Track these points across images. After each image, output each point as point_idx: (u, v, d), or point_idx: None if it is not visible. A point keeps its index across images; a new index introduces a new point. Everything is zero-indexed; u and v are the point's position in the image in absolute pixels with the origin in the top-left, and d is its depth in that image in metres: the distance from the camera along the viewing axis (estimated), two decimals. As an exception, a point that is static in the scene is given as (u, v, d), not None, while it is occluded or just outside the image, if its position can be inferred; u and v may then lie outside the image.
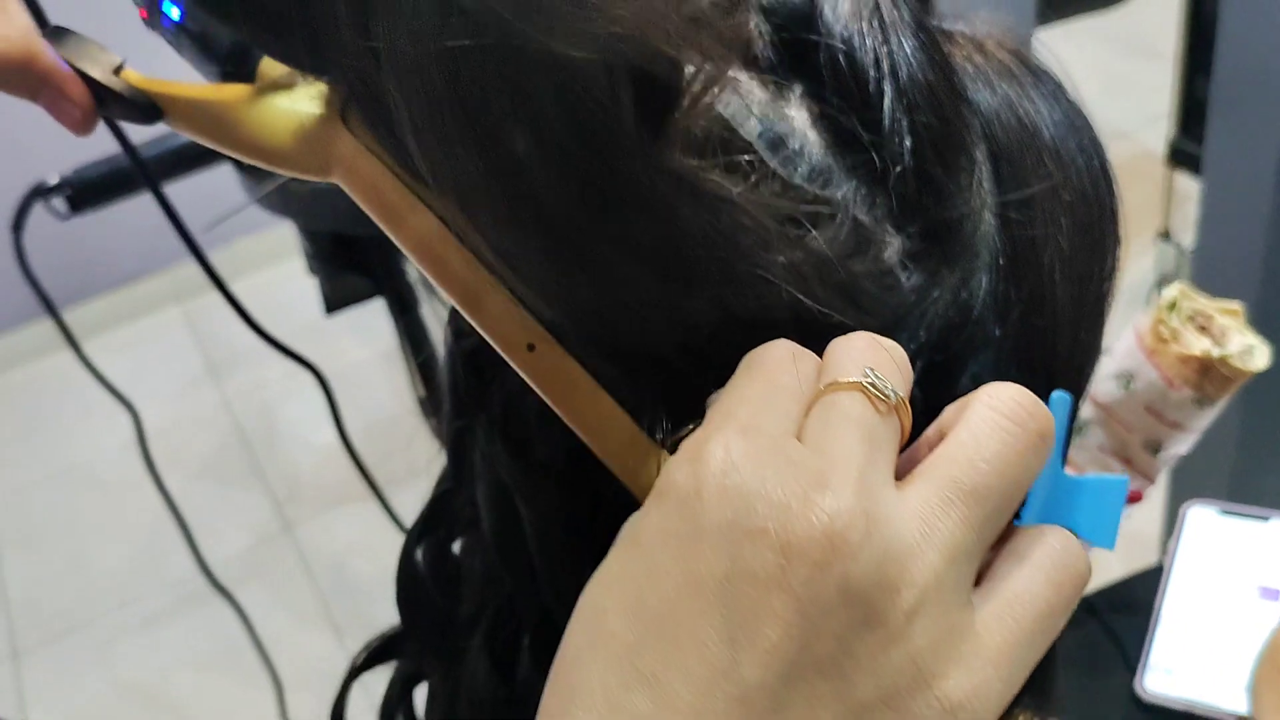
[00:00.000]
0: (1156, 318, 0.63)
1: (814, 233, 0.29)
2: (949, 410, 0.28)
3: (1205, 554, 0.91)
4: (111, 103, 0.36)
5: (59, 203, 1.05)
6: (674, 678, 0.23)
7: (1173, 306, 0.63)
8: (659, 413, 0.29)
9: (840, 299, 0.29)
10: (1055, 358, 0.35)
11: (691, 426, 0.28)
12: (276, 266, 2.54)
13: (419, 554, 0.41)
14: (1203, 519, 0.93)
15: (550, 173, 0.26)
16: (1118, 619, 0.90)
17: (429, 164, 0.27)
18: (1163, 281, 2.07)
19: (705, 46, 0.27)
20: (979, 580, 0.26)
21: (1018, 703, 0.38)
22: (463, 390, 0.37)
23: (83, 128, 0.37)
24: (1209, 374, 0.60)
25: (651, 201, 0.26)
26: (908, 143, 0.31)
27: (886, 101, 0.31)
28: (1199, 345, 0.61)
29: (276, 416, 2.26)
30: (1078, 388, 0.37)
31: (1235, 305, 0.63)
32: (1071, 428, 0.36)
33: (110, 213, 2.47)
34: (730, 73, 0.29)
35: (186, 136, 0.34)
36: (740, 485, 0.24)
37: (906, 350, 0.30)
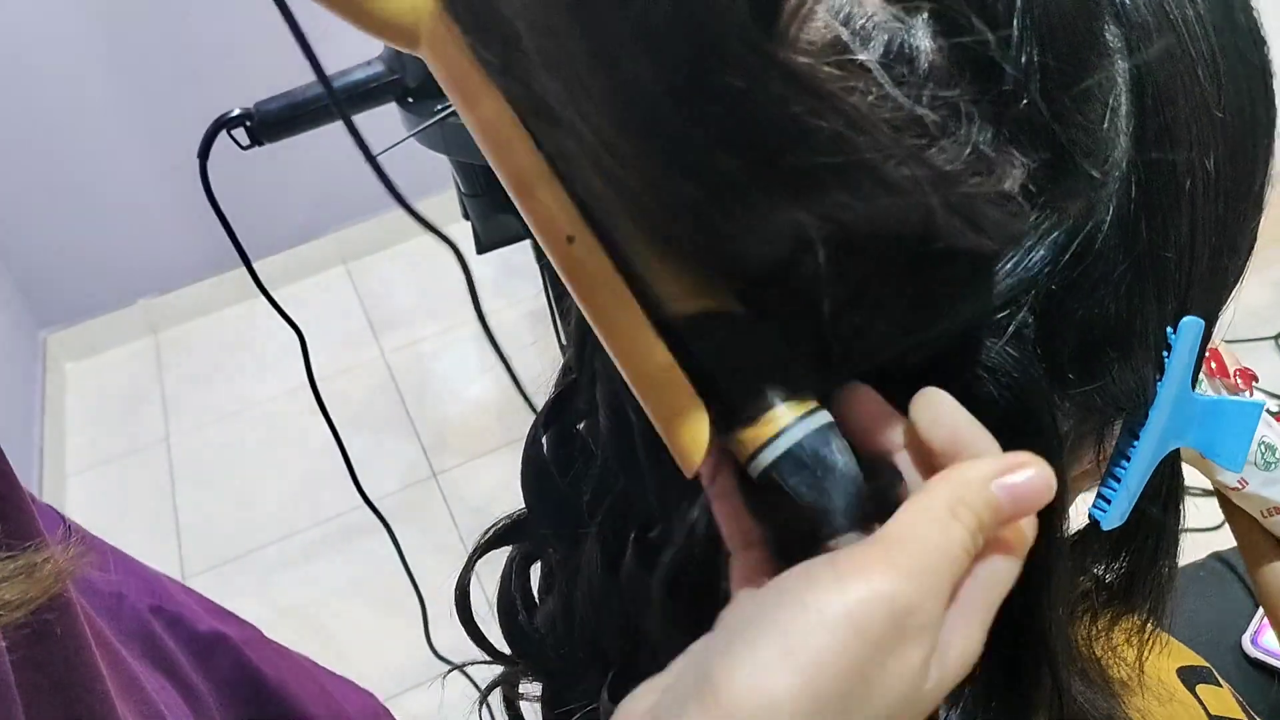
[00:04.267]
0: None
1: (935, 147, 0.27)
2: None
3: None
4: None
5: (240, 134, 1.11)
6: None
7: None
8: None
9: (958, 219, 0.27)
10: (1190, 285, 0.34)
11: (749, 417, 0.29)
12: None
13: (544, 441, 0.42)
14: None
15: (654, 56, 0.24)
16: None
17: (538, 48, 0.26)
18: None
19: None
20: None
21: (1134, 606, 0.41)
22: None
23: None
24: None
25: (759, 94, 0.24)
26: (1036, 71, 0.29)
27: (1015, 24, 0.29)
28: None
29: (429, 371, 2.38)
30: (1214, 310, 0.36)
31: None
32: (1203, 351, 0.35)
33: (281, 178, 2.61)
34: None
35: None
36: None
37: (1021, 279, 0.30)
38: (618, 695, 0.37)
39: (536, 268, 1.55)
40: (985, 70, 0.29)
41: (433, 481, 2.10)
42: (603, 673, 0.39)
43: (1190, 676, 0.53)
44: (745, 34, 0.24)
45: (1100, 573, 0.40)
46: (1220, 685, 0.54)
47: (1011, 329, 0.32)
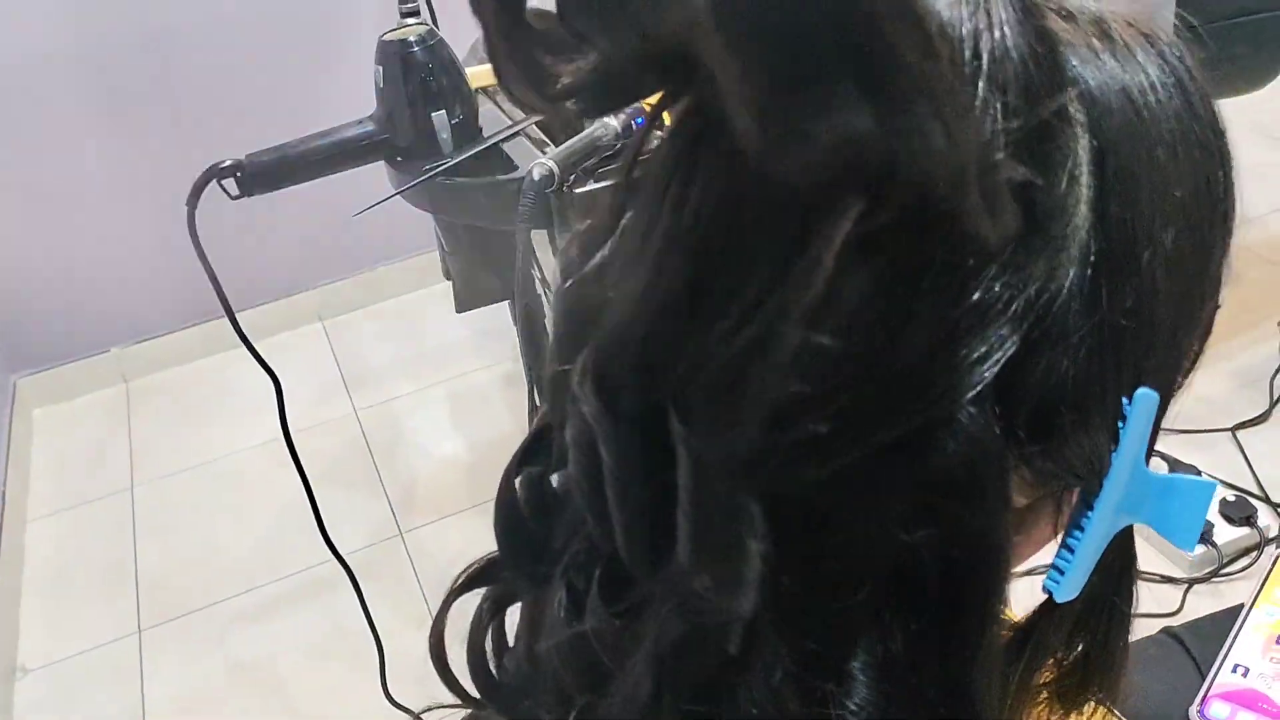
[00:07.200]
0: None
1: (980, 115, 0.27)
2: None
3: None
4: None
5: (230, 184, 1.14)
6: None
7: None
8: None
9: (981, 196, 0.27)
10: (1148, 357, 0.34)
11: None
12: (412, 293, 2.70)
13: (517, 484, 0.42)
14: None
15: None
16: (1203, 651, 0.91)
17: None
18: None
19: None
20: None
21: (1089, 690, 0.41)
22: (565, 332, 0.37)
23: None
24: None
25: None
26: (1008, 127, 0.29)
27: (981, 84, 0.28)
28: None
29: (400, 429, 2.38)
30: (1168, 387, 0.37)
31: None
32: (1158, 426, 0.36)
33: (261, 234, 2.62)
34: None
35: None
36: None
37: (976, 347, 0.30)
38: None
39: (511, 330, 1.57)
40: None
41: (399, 540, 2.09)
42: (566, 713, 0.39)
43: None
44: None
45: (1060, 657, 0.40)
46: None
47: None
